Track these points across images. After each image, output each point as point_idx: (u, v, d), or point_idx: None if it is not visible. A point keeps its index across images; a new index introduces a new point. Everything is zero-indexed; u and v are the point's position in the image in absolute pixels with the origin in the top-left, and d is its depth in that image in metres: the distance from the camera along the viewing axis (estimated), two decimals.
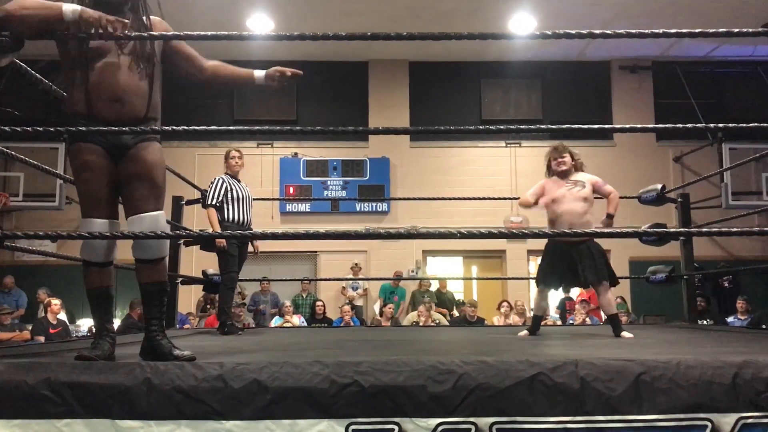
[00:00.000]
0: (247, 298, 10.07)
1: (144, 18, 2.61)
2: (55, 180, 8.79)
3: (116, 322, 9.59)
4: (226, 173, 5.45)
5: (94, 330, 2.59)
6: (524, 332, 4.55)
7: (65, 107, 2.55)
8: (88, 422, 1.98)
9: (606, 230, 4.25)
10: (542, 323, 4.93)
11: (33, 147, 9.07)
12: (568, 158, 4.46)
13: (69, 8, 2.38)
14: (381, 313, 9.60)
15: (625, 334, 4.16)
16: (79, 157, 2.47)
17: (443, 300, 10.32)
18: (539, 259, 4.59)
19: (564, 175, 4.45)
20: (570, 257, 4.33)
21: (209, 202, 5.26)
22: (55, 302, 8.43)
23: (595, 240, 4.40)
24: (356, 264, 10.78)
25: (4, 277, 10.18)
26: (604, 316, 10.07)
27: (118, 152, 2.51)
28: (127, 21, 2.45)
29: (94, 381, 2.02)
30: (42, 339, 7.79)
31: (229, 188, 5.30)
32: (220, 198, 5.27)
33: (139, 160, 2.51)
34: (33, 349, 3.38)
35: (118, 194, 2.58)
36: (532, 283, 11.99)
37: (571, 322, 8.79)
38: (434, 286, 10.64)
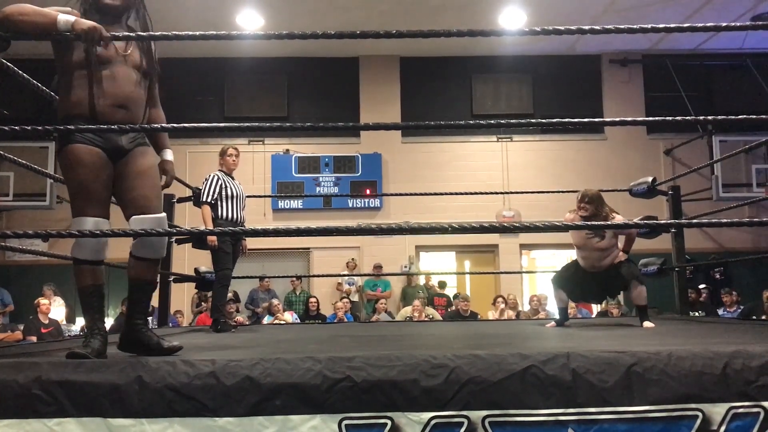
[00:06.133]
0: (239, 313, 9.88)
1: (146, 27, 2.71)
2: (45, 179, 8.73)
3: (108, 321, 9.60)
4: (220, 170, 5.41)
5: (86, 328, 2.58)
6: (552, 323, 4.78)
7: (61, 109, 2.59)
8: (79, 421, 1.98)
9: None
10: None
11: (23, 146, 9.04)
12: (590, 208, 4.46)
13: (63, 18, 2.46)
14: (374, 310, 9.61)
15: (647, 324, 4.38)
16: (75, 157, 2.50)
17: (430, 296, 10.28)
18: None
19: (586, 218, 4.51)
20: (599, 279, 4.60)
21: (204, 199, 5.21)
22: (44, 302, 8.39)
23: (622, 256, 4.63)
24: (352, 260, 10.80)
25: None
26: (595, 309, 10.16)
27: (115, 155, 2.57)
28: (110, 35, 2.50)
29: (85, 380, 2.01)
30: (34, 339, 7.76)
31: (223, 185, 5.26)
32: (215, 195, 5.23)
33: (138, 162, 2.61)
34: (24, 348, 3.37)
35: (110, 195, 2.62)
36: (525, 277, 12.14)
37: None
38: (422, 281, 10.66)
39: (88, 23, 2.45)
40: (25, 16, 2.46)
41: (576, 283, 4.69)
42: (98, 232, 2.46)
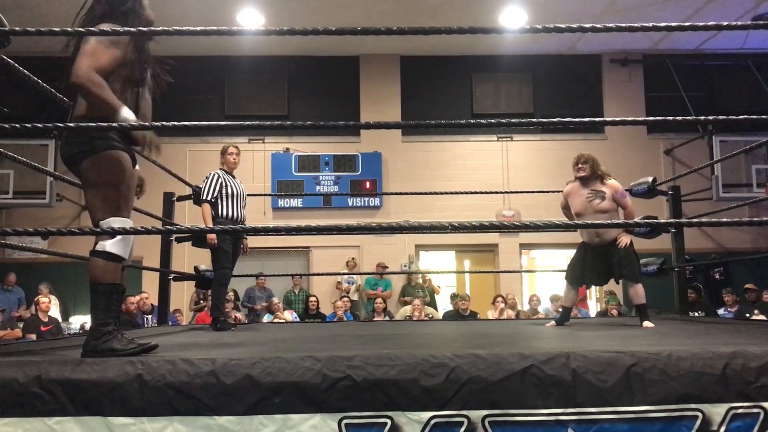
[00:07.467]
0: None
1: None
2: (45, 177, 8.72)
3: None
4: (221, 168, 5.41)
5: (96, 325, 2.54)
6: (551, 323, 4.80)
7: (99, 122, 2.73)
8: (79, 420, 1.98)
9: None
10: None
11: (23, 144, 9.02)
12: (586, 167, 4.61)
13: (125, 113, 2.56)
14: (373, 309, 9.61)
15: (647, 323, 4.36)
16: (120, 161, 2.65)
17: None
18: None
19: (583, 181, 4.64)
20: (603, 256, 4.62)
21: (204, 198, 5.21)
22: (44, 299, 8.40)
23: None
24: (352, 259, 10.80)
25: (8, 275, 10.15)
26: (594, 309, 10.16)
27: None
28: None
29: (85, 378, 2.01)
30: (33, 337, 7.76)
31: (224, 184, 5.26)
32: (215, 194, 5.23)
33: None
34: (24, 346, 3.37)
35: None
36: (525, 277, 12.14)
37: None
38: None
39: (149, 134, 2.68)
40: (99, 89, 2.52)
41: (583, 267, 4.72)
42: (121, 229, 2.54)
